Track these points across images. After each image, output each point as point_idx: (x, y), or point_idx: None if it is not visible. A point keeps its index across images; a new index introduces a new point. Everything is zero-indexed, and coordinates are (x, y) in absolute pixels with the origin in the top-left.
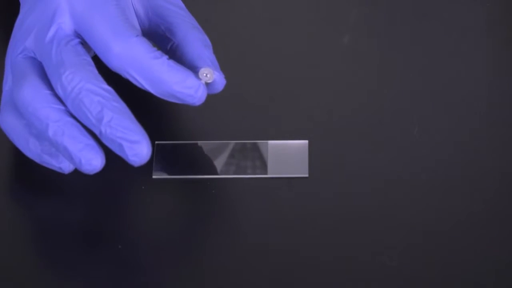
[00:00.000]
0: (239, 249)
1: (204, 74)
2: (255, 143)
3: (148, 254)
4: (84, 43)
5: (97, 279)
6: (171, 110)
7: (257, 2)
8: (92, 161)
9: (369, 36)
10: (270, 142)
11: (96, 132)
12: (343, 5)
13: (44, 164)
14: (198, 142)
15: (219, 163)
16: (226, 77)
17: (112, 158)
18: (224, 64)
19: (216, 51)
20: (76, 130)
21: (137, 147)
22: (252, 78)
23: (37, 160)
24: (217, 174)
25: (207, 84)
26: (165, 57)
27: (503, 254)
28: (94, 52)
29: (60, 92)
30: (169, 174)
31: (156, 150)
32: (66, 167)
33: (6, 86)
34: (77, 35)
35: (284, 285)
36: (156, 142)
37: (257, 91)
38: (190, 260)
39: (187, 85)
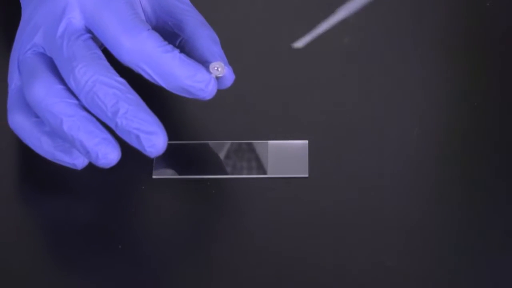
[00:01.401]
0: (239, 249)
1: (215, 68)
2: (251, 144)
3: (148, 254)
4: (94, 38)
5: (97, 278)
6: (172, 110)
7: (257, 2)
8: (109, 155)
9: (369, 36)
10: (270, 142)
11: (111, 125)
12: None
13: (57, 161)
14: (198, 142)
15: (219, 163)
16: None
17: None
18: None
19: None
20: (91, 124)
21: (154, 138)
22: (252, 78)
23: (50, 157)
24: (217, 174)
25: (217, 78)
26: (177, 51)
27: (503, 255)
28: (102, 46)
29: (73, 86)
30: (169, 174)
31: None
32: (80, 163)
33: (12, 85)
34: (88, 30)
35: (284, 285)
36: None
37: (257, 91)
38: (190, 259)
39: (198, 79)
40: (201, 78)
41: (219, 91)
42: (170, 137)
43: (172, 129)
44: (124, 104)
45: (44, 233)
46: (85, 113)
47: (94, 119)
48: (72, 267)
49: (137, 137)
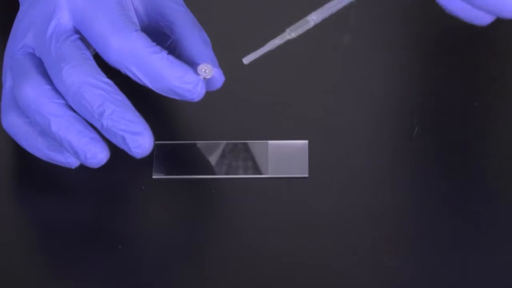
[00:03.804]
0: (239, 249)
1: (203, 70)
2: (248, 143)
3: (148, 254)
4: (83, 39)
5: (97, 279)
6: (171, 110)
7: (257, 1)
8: (98, 155)
9: (369, 36)
10: (270, 142)
11: (98, 125)
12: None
13: (51, 161)
14: (198, 142)
15: (218, 163)
16: (226, 77)
17: (113, 158)
18: (224, 64)
19: (216, 50)
20: (80, 124)
21: (140, 139)
22: (252, 78)
23: (43, 157)
24: (217, 174)
25: (205, 80)
26: (164, 52)
27: (504, 255)
28: (95, 50)
29: (60, 86)
30: (169, 174)
31: (156, 150)
32: (73, 161)
33: (6, 85)
34: (76, 31)
35: (284, 285)
36: (156, 142)
37: (257, 91)
38: (189, 260)
39: (186, 80)
40: (189, 79)
41: (220, 91)
42: (170, 137)
43: (172, 129)
44: (110, 105)
45: (44, 233)
46: (73, 113)
47: (83, 119)
48: (72, 267)
49: (123, 138)
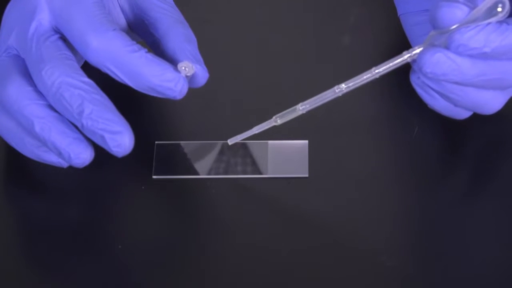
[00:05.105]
0: (239, 249)
1: (183, 68)
2: (249, 143)
3: (148, 254)
4: (65, 39)
5: (97, 279)
6: (172, 110)
7: (257, 1)
8: (81, 155)
9: (369, 36)
10: (270, 142)
11: (78, 125)
12: (343, 5)
13: (42, 161)
14: (198, 142)
15: (219, 163)
16: (226, 77)
17: (113, 158)
18: (224, 64)
19: (216, 50)
20: (62, 125)
21: (119, 138)
22: (252, 77)
23: (34, 157)
24: (217, 174)
25: (187, 78)
26: (143, 50)
27: (504, 254)
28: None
29: (41, 87)
30: (169, 174)
31: (156, 150)
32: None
33: None
34: (57, 31)
35: (283, 285)
36: (156, 142)
37: (257, 91)
38: (189, 260)
39: (166, 78)
40: (170, 77)
41: (219, 91)
42: (169, 137)
43: (171, 129)
44: (89, 104)
45: (42, 234)
46: (56, 114)
47: (66, 120)
48: (72, 268)
49: (102, 137)
